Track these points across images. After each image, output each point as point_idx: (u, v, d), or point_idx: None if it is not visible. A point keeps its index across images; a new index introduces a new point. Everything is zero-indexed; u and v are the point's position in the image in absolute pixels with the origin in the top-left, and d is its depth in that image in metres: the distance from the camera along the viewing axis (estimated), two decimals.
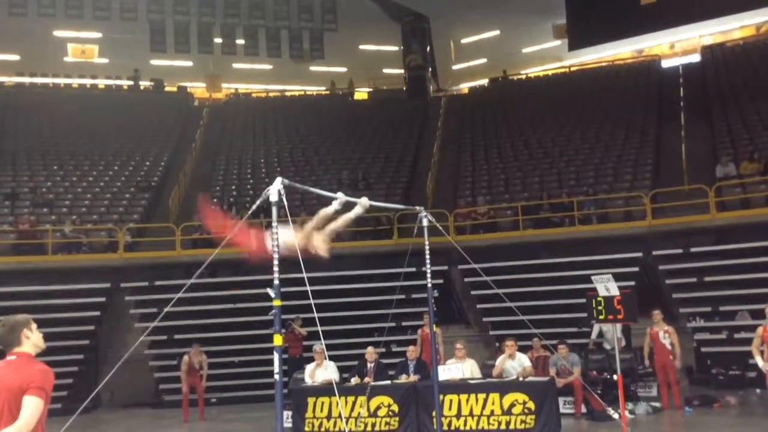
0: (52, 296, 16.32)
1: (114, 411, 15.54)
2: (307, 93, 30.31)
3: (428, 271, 8.82)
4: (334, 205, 6.33)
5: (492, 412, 9.88)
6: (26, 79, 27.76)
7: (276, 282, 5.28)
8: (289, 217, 5.70)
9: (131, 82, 28.01)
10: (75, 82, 28.11)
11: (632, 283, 14.45)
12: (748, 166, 16.92)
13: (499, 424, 9.81)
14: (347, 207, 6.55)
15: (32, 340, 3.92)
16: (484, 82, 29.30)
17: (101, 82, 28.46)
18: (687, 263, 15.67)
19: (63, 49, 27.42)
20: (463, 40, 29.75)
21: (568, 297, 15.09)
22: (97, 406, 15.32)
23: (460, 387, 10.22)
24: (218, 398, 15.65)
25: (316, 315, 6.01)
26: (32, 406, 3.65)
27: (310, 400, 10.67)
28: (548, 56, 30.04)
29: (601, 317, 10.04)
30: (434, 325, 9.57)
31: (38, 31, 25.44)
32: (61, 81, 28.08)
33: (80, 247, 17.69)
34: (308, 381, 11.46)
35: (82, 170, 21.97)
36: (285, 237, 5.59)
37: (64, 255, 17.30)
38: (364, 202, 6.69)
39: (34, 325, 3.96)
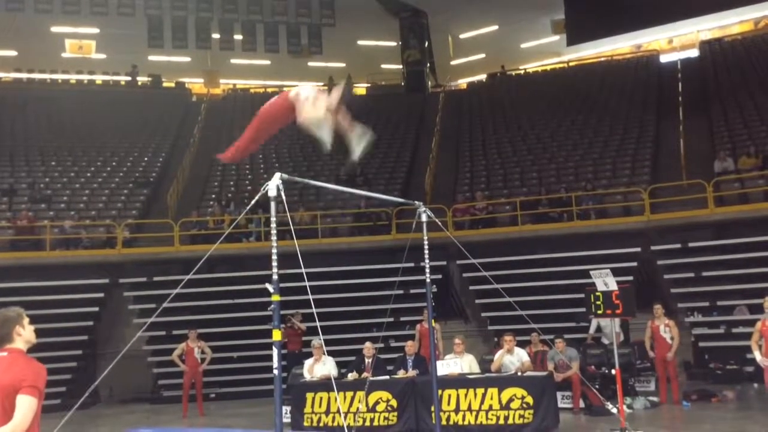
0: (50, 292, 16.30)
1: (112, 406, 15.55)
2: None
3: (427, 266, 8.82)
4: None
5: (490, 407, 9.89)
6: (23, 75, 27.72)
7: (275, 277, 5.29)
8: (288, 212, 5.69)
9: (129, 78, 27.97)
10: (72, 77, 28.09)
11: (630, 277, 14.47)
12: (746, 161, 16.94)
13: (498, 418, 9.83)
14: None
15: (24, 336, 3.85)
16: (483, 77, 29.29)
17: (99, 78, 28.41)
18: (685, 258, 15.69)
19: (60, 45, 27.34)
20: (462, 36, 29.71)
21: (567, 292, 15.11)
22: (96, 401, 15.34)
23: (459, 382, 10.24)
24: (217, 393, 15.67)
25: (314, 310, 6.02)
26: (26, 405, 3.62)
27: (309, 396, 10.69)
28: (546, 51, 30.02)
29: (599, 312, 10.05)
30: (433, 321, 9.57)
31: (35, 27, 25.37)
32: (59, 77, 28.05)
33: (78, 242, 17.68)
34: (307, 376, 11.48)
35: (80, 166, 21.95)
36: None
37: (62, 251, 17.30)
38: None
39: (26, 320, 3.89)
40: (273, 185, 5.35)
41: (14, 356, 3.76)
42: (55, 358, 14.54)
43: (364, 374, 10.96)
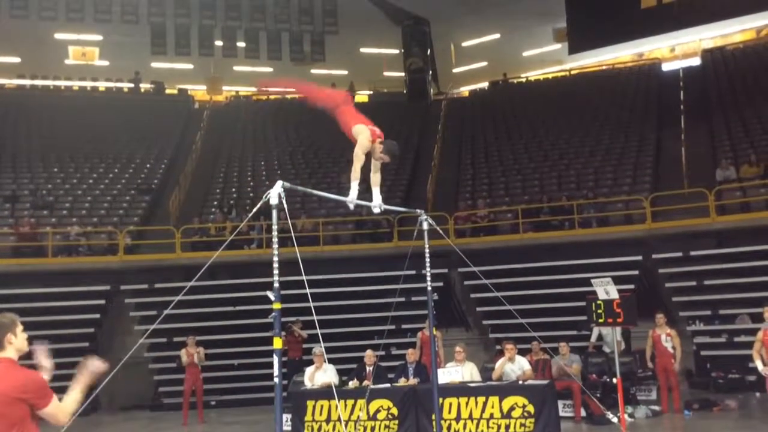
0: (51, 299, 16.32)
1: (113, 414, 15.54)
2: None
3: (428, 274, 8.82)
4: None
5: (491, 416, 9.87)
6: (27, 82, 27.77)
7: (276, 285, 5.28)
8: (289, 221, 5.70)
9: (132, 85, 28.02)
10: (76, 84, 28.12)
11: (632, 286, 14.45)
12: (748, 170, 16.93)
13: (499, 427, 9.81)
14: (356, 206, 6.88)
15: (15, 344, 3.75)
16: (485, 85, 29.30)
17: (102, 85, 28.47)
18: (687, 267, 15.68)
19: (64, 52, 27.43)
20: (464, 44, 29.77)
21: (568, 300, 15.09)
22: (96, 408, 15.28)
23: (460, 390, 10.22)
24: (217, 401, 15.65)
25: (315, 318, 6.01)
26: (56, 409, 3.71)
27: (310, 403, 10.67)
28: (548, 59, 30.04)
29: (600, 320, 10.04)
30: (434, 329, 9.56)
31: (39, 34, 25.46)
32: (62, 83, 28.09)
33: (79, 249, 17.70)
34: (308, 384, 11.46)
35: (83, 172, 21.99)
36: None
37: (64, 257, 17.32)
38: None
39: (19, 328, 3.78)
40: (275, 193, 5.35)
41: (5, 365, 3.68)
42: (56, 364, 14.51)
43: (365, 382, 10.95)
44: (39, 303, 15.78)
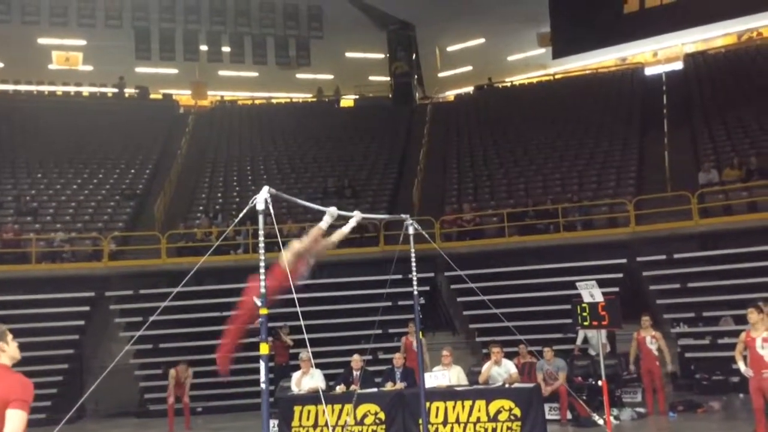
0: (36, 305, 16.19)
1: (99, 421, 15.43)
2: (293, 100, 30.31)
3: (414, 278, 8.84)
4: (327, 220, 6.47)
5: (478, 419, 9.90)
6: (10, 87, 27.57)
7: (262, 290, 5.29)
8: (276, 226, 5.72)
9: (116, 90, 27.87)
10: (59, 89, 27.93)
11: (616, 289, 14.55)
12: (730, 173, 17.11)
13: (486, 430, 9.83)
14: (339, 219, 6.76)
15: (8, 352, 3.88)
16: (470, 89, 29.42)
17: (86, 90, 28.28)
18: (670, 269, 15.81)
19: (47, 57, 27.26)
20: (449, 48, 29.89)
21: (554, 303, 15.17)
22: (82, 415, 15.22)
23: (447, 394, 10.24)
24: (204, 407, 15.55)
25: (302, 323, 6.02)
26: (17, 419, 3.65)
27: (297, 409, 10.65)
28: (533, 64, 30.24)
29: (585, 323, 10.11)
30: (420, 333, 9.58)
31: (22, 38, 25.28)
32: (46, 88, 27.89)
33: (63, 255, 17.58)
34: (294, 389, 11.43)
35: (67, 178, 21.84)
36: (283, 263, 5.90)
37: (48, 264, 17.20)
38: (357, 216, 6.93)
39: (9, 337, 3.92)
40: (261, 199, 5.36)
41: (0, 371, 3.78)
42: (41, 372, 14.43)
43: (352, 387, 10.94)
44: (23, 310, 15.65)
